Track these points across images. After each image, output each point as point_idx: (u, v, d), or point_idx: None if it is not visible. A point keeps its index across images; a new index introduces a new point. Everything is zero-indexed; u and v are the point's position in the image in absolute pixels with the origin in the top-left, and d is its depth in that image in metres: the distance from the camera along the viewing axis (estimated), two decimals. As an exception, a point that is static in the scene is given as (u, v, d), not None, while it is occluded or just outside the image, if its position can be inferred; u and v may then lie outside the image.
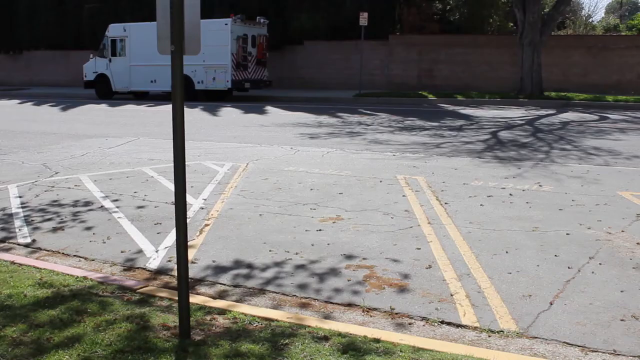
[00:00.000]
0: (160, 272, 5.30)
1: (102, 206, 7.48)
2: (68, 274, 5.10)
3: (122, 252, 5.81)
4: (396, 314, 4.37)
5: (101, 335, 3.86)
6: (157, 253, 5.74)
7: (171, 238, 6.05)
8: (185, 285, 3.80)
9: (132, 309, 4.33)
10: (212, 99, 24.79)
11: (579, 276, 5.00)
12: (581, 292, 4.68)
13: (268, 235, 6.21)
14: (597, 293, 4.65)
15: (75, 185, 8.70)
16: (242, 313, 4.28)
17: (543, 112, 19.28)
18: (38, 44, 34.69)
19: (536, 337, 3.98)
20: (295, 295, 4.73)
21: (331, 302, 4.59)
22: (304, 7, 28.16)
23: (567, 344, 3.88)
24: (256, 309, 4.40)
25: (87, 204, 7.63)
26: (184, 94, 3.85)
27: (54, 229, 6.57)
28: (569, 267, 5.19)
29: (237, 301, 4.61)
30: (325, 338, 3.86)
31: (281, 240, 6.05)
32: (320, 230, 6.36)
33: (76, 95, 28.20)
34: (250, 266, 5.36)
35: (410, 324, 4.21)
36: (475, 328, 4.12)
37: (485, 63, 26.69)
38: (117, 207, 7.41)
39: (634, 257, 5.46)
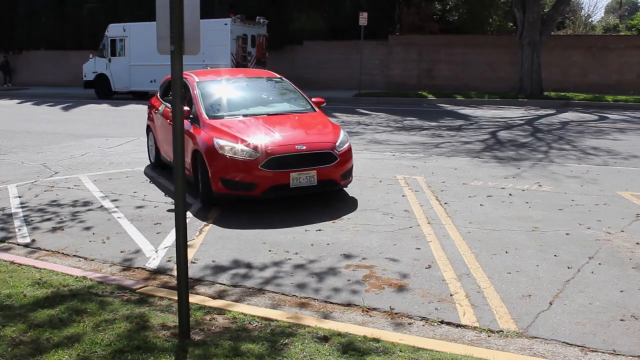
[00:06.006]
0: (159, 271, 5.30)
1: (101, 206, 7.48)
2: (67, 274, 5.10)
3: (121, 252, 5.81)
4: (396, 313, 4.37)
5: (100, 335, 3.86)
6: (157, 253, 5.75)
7: (171, 238, 6.06)
8: (184, 285, 3.80)
9: (132, 308, 4.33)
10: (212, 99, 24.76)
11: (579, 276, 5.00)
12: (581, 292, 4.68)
13: (267, 235, 6.21)
14: (597, 293, 4.66)
15: (75, 185, 8.70)
16: (242, 313, 4.29)
17: (542, 112, 19.28)
18: (38, 44, 34.64)
19: (536, 337, 3.98)
20: (294, 295, 4.73)
21: (330, 302, 4.59)
22: (304, 7, 28.13)
23: (567, 343, 3.88)
24: (256, 309, 4.41)
25: (86, 203, 7.63)
26: (184, 93, 3.85)
27: (54, 229, 6.56)
28: (568, 267, 5.19)
29: (236, 301, 4.61)
30: (325, 338, 3.86)
31: (281, 240, 6.05)
32: (319, 230, 6.36)
33: (76, 95, 28.16)
34: (249, 266, 5.36)
35: (409, 323, 4.21)
36: (474, 328, 4.12)
37: (485, 63, 26.65)
38: (117, 207, 7.41)
39: (633, 257, 5.46)
